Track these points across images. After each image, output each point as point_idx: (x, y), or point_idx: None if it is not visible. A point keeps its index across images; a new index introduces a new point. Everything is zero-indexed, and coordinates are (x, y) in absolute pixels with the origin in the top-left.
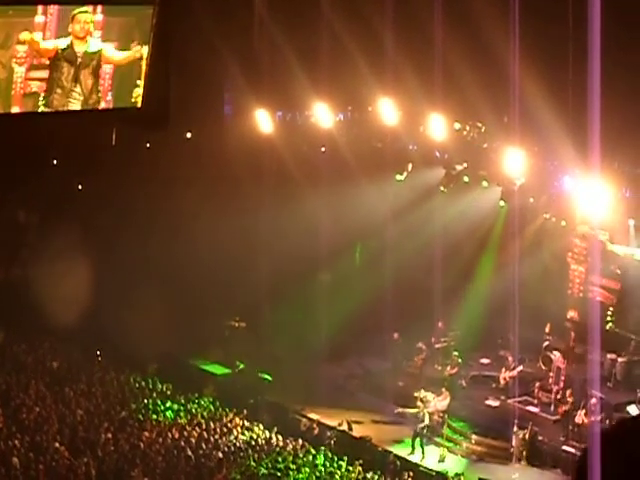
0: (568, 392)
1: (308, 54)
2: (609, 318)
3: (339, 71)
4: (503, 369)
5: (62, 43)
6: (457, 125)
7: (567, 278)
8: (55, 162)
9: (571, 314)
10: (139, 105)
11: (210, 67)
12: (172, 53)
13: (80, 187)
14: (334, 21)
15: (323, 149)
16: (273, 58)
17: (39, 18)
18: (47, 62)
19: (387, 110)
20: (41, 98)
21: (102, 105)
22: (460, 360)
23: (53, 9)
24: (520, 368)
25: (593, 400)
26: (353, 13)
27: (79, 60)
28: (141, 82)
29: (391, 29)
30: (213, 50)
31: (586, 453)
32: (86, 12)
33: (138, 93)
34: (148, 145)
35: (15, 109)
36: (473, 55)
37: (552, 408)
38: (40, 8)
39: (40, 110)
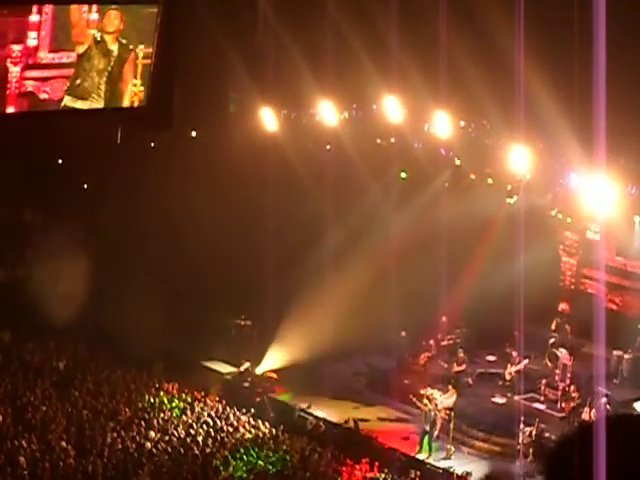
0: (573, 388)
1: (313, 52)
2: None
3: (344, 69)
4: (509, 365)
5: (89, 41)
6: (462, 123)
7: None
8: (60, 161)
9: (562, 306)
10: (135, 105)
11: (215, 66)
12: (177, 52)
13: (85, 186)
14: (338, 19)
15: (328, 147)
16: (278, 56)
17: (34, 17)
18: (61, 60)
19: (392, 108)
20: (65, 88)
21: (97, 104)
22: (466, 357)
23: (48, 8)
24: (526, 361)
25: (603, 399)
26: (357, 11)
27: (112, 55)
28: (137, 81)
29: (396, 27)
30: (218, 49)
31: (567, 443)
32: (115, 9)
33: (134, 92)
34: (153, 144)
35: (10, 109)
36: (478, 52)
37: (558, 405)
38: (35, 7)
39: (63, 103)
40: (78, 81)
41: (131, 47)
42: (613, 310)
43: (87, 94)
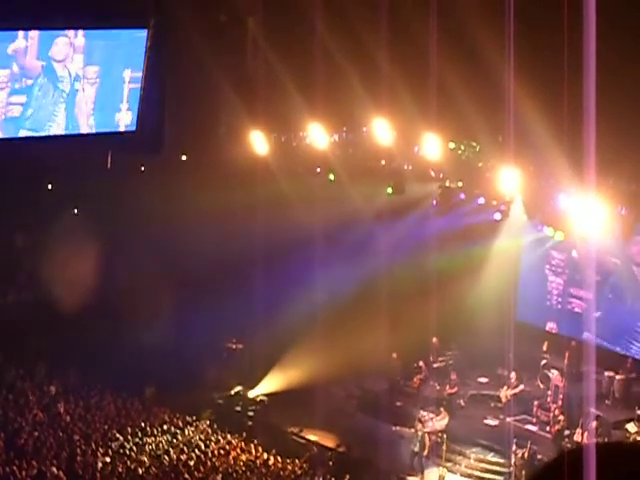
0: (558, 411)
1: (302, 75)
2: None
3: (334, 92)
4: (505, 387)
5: (45, 65)
6: (452, 144)
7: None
8: (50, 187)
9: (550, 325)
10: (122, 129)
11: (204, 89)
12: (166, 76)
13: (76, 211)
14: (328, 41)
15: (318, 170)
16: (268, 80)
17: (20, 42)
18: (29, 83)
19: (382, 130)
20: (25, 119)
21: (84, 129)
22: (458, 379)
23: (34, 34)
24: (522, 387)
25: (594, 423)
26: (347, 33)
27: (61, 83)
28: (124, 105)
29: (385, 49)
30: (207, 72)
31: (554, 467)
32: (65, 36)
33: (121, 116)
34: (143, 168)
35: None
36: (468, 74)
37: (550, 427)
38: (21, 33)
39: (21, 134)
40: (30, 111)
41: (93, 71)
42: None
43: (42, 123)
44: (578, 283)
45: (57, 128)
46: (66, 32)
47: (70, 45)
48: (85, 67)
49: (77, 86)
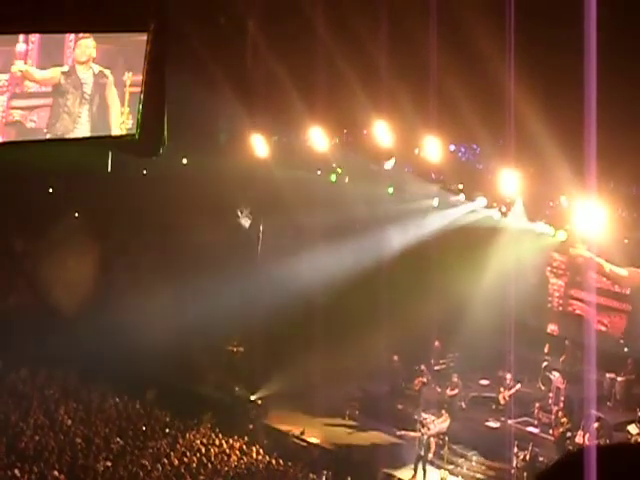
0: (561, 413)
1: (303, 77)
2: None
3: (334, 94)
4: (502, 388)
5: (63, 69)
6: (452, 147)
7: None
8: (51, 190)
9: (551, 327)
10: (122, 132)
11: (205, 92)
12: (166, 80)
13: (76, 215)
14: (328, 44)
15: (319, 172)
16: (268, 82)
17: (20, 46)
18: (45, 89)
19: (382, 133)
20: (44, 126)
21: (84, 133)
22: (460, 382)
23: (35, 37)
24: (518, 386)
25: (595, 424)
26: (347, 36)
27: (84, 85)
28: (125, 109)
29: (386, 52)
30: (207, 75)
31: (556, 469)
32: (88, 38)
33: (122, 120)
34: (145, 172)
35: None
36: (468, 77)
37: (551, 429)
38: (21, 36)
39: (46, 137)
40: (57, 112)
41: (107, 73)
42: (602, 332)
43: (68, 125)
44: (579, 285)
45: (57, 132)
46: (65, 36)
47: (91, 47)
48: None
49: (76, 90)
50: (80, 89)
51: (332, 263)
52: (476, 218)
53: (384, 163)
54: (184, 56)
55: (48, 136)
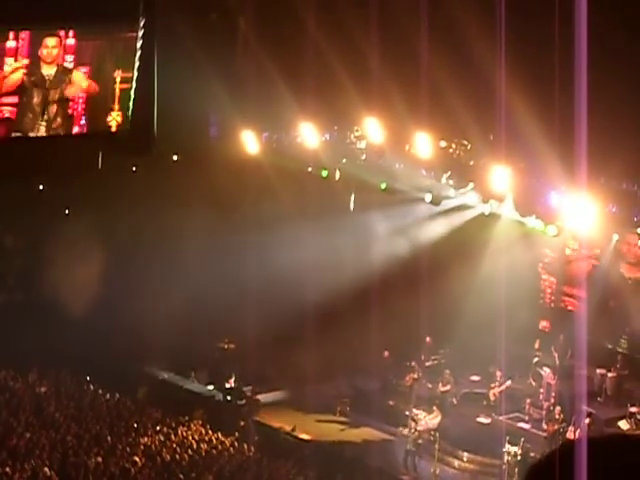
0: (557, 410)
1: (293, 73)
2: None
3: (325, 90)
4: (492, 384)
5: (28, 68)
6: (443, 143)
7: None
8: (41, 187)
9: (543, 324)
10: (113, 129)
11: (195, 89)
12: (157, 76)
13: (67, 212)
14: (319, 40)
15: (310, 169)
16: (259, 79)
17: (10, 43)
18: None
19: (373, 129)
20: (16, 120)
21: (75, 130)
22: (452, 378)
23: (25, 35)
24: (509, 382)
25: (586, 420)
26: (338, 32)
27: (47, 84)
28: (115, 106)
29: (376, 48)
30: (198, 71)
31: (547, 462)
32: (53, 36)
33: (112, 117)
34: (135, 168)
35: None
36: (459, 73)
37: (543, 424)
38: (12, 34)
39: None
40: (21, 112)
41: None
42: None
43: (31, 124)
44: (571, 281)
45: (48, 129)
46: (57, 32)
47: (61, 45)
48: (76, 67)
49: (67, 86)
50: (44, 88)
51: (323, 259)
52: (467, 215)
53: (376, 159)
54: (175, 52)
55: (14, 134)
